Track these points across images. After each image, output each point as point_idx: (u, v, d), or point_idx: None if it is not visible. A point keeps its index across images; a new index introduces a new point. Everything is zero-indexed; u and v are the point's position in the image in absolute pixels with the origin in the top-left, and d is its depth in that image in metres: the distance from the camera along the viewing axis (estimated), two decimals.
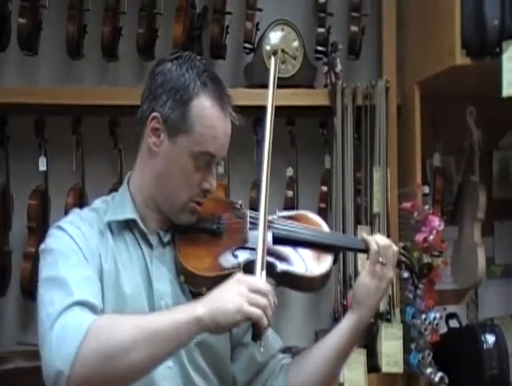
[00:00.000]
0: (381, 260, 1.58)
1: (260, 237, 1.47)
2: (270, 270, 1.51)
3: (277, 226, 1.61)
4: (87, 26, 2.56)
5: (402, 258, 1.67)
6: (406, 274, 1.68)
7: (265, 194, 1.53)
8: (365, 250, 1.62)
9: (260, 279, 1.42)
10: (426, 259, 2.15)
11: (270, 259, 1.53)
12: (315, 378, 1.59)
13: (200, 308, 1.34)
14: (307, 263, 1.59)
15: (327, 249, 1.62)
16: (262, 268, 1.43)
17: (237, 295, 1.35)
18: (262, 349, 1.42)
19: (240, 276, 1.41)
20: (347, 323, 1.59)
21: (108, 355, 1.32)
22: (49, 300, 1.40)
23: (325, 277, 1.61)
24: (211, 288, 1.48)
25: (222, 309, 1.34)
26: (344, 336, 1.58)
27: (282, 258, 1.57)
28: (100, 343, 1.32)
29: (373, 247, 1.59)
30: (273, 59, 1.67)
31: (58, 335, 1.34)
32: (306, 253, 1.60)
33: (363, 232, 2.39)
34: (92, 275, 1.47)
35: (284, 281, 1.57)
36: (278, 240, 1.58)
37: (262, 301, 1.36)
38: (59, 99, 2.44)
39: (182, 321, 1.34)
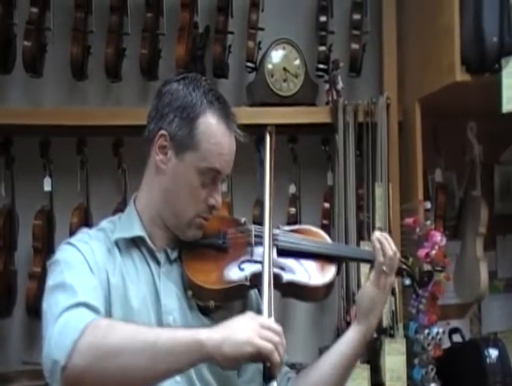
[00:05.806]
0: (385, 269, 1.60)
1: (265, 284, 1.45)
2: (276, 281, 1.53)
3: (281, 238, 1.64)
4: (91, 47, 2.58)
5: (403, 266, 1.69)
6: (407, 281, 1.71)
7: (269, 209, 1.56)
8: (369, 260, 1.65)
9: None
10: (426, 267, 2.16)
11: (276, 270, 1.56)
12: None
13: (205, 333, 1.33)
14: (311, 273, 1.62)
15: (330, 260, 1.65)
16: (269, 315, 1.40)
17: (249, 328, 1.33)
18: None
19: (252, 314, 1.40)
20: (353, 335, 1.62)
21: (102, 353, 1.33)
22: (54, 302, 1.42)
23: (329, 287, 1.64)
24: (219, 301, 1.52)
25: (231, 338, 1.31)
26: (351, 346, 1.61)
27: (287, 269, 1.61)
28: (96, 340, 1.33)
29: (380, 259, 1.61)
30: (268, 139, 1.69)
31: (59, 329, 1.36)
32: (310, 264, 1.64)
33: (366, 247, 2.40)
34: (96, 284, 1.49)
35: (289, 291, 1.61)
36: (282, 252, 1.62)
37: (274, 337, 1.34)
38: (64, 120, 2.45)
39: (183, 340, 1.33)
